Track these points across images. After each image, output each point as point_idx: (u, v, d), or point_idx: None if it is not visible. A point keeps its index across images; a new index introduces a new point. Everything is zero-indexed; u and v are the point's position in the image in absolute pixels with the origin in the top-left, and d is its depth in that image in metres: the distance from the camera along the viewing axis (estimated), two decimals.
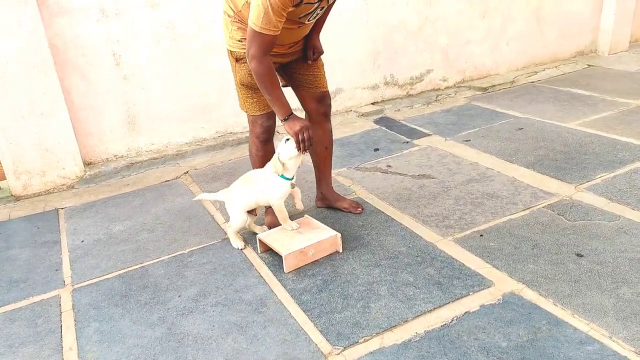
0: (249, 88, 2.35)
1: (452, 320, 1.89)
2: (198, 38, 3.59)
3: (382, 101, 4.44)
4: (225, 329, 1.96)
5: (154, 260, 2.45)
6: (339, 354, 1.79)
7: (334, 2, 2.25)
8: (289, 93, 2.40)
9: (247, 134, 2.65)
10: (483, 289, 2.04)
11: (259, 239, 2.40)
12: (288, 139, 2.26)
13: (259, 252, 2.42)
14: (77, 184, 3.39)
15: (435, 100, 4.46)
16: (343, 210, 2.71)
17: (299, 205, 2.45)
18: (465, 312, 1.92)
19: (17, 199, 3.27)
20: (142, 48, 3.46)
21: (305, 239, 2.32)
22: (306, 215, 2.53)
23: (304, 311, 2.01)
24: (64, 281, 2.37)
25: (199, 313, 2.06)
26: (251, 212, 2.49)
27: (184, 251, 2.51)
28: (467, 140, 3.53)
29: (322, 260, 2.31)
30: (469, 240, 2.37)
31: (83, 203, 3.15)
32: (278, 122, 2.38)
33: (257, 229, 2.55)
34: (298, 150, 2.22)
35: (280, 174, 2.29)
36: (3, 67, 3.02)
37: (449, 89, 4.68)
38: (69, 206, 3.13)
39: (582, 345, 1.73)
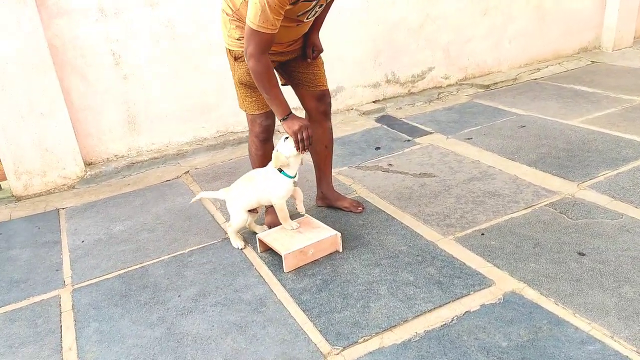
0: (247, 87, 2.34)
1: (452, 320, 1.88)
2: (197, 38, 3.58)
3: (384, 99, 4.42)
4: (224, 329, 1.95)
5: (154, 260, 2.45)
6: (338, 353, 1.79)
7: (332, 0, 2.24)
8: (288, 92, 2.39)
9: (248, 134, 2.64)
10: (484, 288, 2.03)
11: (259, 239, 2.40)
12: (287, 137, 2.25)
13: (259, 251, 2.41)
14: (77, 184, 3.39)
15: (437, 98, 4.44)
16: (344, 210, 2.70)
17: (301, 208, 2.43)
18: (466, 312, 1.91)
19: (18, 199, 3.28)
20: (141, 48, 3.45)
21: (305, 238, 2.31)
22: (306, 215, 2.51)
23: (303, 311, 2.00)
24: (64, 281, 2.37)
25: (198, 313, 2.06)
26: (252, 210, 2.48)
27: (184, 251, 2.50)
28: (469, 138, 3.51)
29: (322, 260, 2.30)
30: (470, 239, 2.36)
31: (84, 203, 3.15)
32: (277, 121, 2.37)
33: (257, 228, 2.55)
34: (297, 149, 2.21)
35: (279, 168, 2.27)
36: (2, 68, 3.03)
37: (451, 86, 4.66)
38: (70, 206, 3.13)
39: (583, 345, 1.71)
